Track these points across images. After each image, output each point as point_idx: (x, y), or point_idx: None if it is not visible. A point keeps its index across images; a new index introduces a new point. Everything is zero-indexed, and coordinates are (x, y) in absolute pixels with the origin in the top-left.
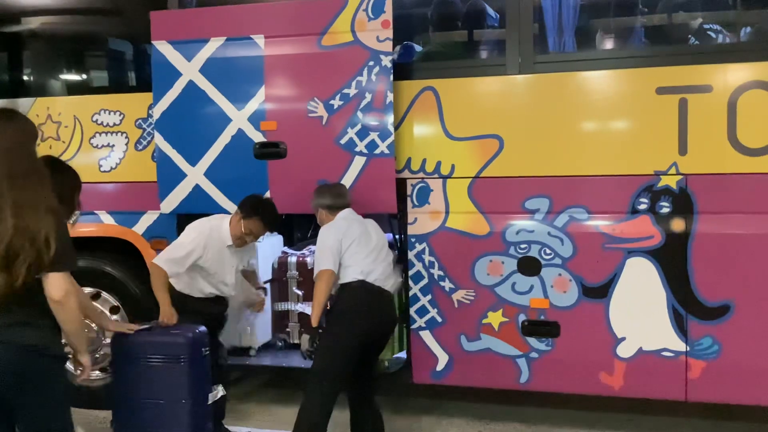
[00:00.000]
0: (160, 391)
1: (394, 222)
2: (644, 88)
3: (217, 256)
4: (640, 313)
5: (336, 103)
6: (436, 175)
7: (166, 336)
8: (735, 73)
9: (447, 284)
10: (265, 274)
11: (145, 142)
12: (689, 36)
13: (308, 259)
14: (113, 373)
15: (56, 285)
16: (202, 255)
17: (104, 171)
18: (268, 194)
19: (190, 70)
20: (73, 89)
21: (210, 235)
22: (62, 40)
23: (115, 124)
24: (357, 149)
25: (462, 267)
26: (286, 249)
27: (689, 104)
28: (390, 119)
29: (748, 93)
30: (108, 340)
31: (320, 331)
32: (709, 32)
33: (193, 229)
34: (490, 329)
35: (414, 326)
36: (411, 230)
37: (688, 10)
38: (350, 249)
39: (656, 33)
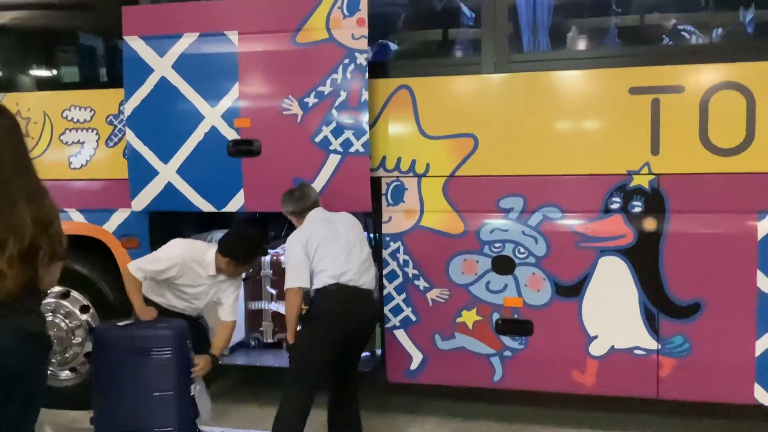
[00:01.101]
0: (146, 384)
1: (369, 221)
2: (617, 88)
3: (193, 281)
4: (613, 311)
5: (311, 100)
6: (410, 174)
7: (152, 329)
8: (707, 74)
9: (421, 283)
10: None
11: (116, 139)
12: (662, 36)
13: (282, 258)
14: (95, 368)
15: (57, 275)
16: (176, 276)
17: (74, 168)
18: (241, 194)
19: (162, 66)
20: (42, 84)
21: (186, 262)
22: (32, 35)
23: (85, 121)
24: (332, 147)
25: (436, 266)
26: None
27: (662, 104)
28: (365, 117)
29: (719, 93)
30: (77, 340)
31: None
32: (681, 33)
33: (173, 248)
34: (465, 328)
35: (388, 325)
36: (385, 229)
37: (662, 11)
38: (318, 253)
39: (629, 33)
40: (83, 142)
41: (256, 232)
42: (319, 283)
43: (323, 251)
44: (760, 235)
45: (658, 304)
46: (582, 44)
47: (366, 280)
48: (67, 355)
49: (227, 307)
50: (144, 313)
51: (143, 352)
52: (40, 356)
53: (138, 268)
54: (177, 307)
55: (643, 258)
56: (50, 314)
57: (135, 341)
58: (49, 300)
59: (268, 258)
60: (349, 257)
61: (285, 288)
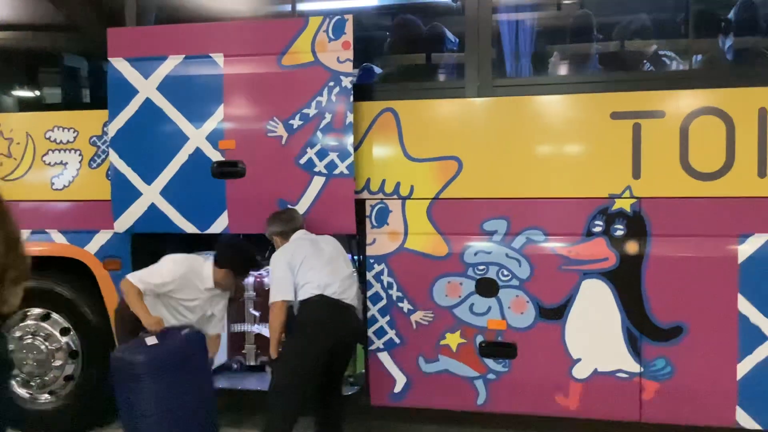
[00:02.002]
0: (192, 391)
1: (353, 243)
2: (599, 112)
3: (191, 294)
4: (596, 334)
5: (296, 122)
6: (395, 196)
7: (183, 338)
8: (687, 100)
9: (405, 305)
10: None
11: (99, 160)
12: (643, 63)
13: (266, 280)
14: (131, 395)
15: (20, 298)
16: (176, 289)
17: (57, 189)
18: (225, 216)
19: (147, 87)
20: (25, 105)
21: (186, 275)
22: (16, 56)
23: (68, 141)
24: (316, 169)
25: (420, 288)
26: None
27: (642, 129)
28: (350, 140)
29: (699, 119)
30: (58, 363)
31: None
32: (662, 59)
33: (172, 262)
34: (448, 350)
35: (372, 347)
36: (370, 251)
37: (643, 37)
38: (303, 266)
39: (611, 59)
40: (66, 163)
41: (250, 244)
42: (303, 295)
43: (308, 264)
44: (741, 258)
45: (641, 327)
46: (564, 69)
47: (349, 295)
48: (46, 378)
49: (217, 321)
50: (153, 323)
51: (190, 361)
52: (4, 376)
53: (140, 279)
54: (169, 322)
55: (626, 281)
56: (30, 336)
57: (185, 352)
58: (29, 322)
59: (251, 280)
60: (334, 271)
61: (270, 302)
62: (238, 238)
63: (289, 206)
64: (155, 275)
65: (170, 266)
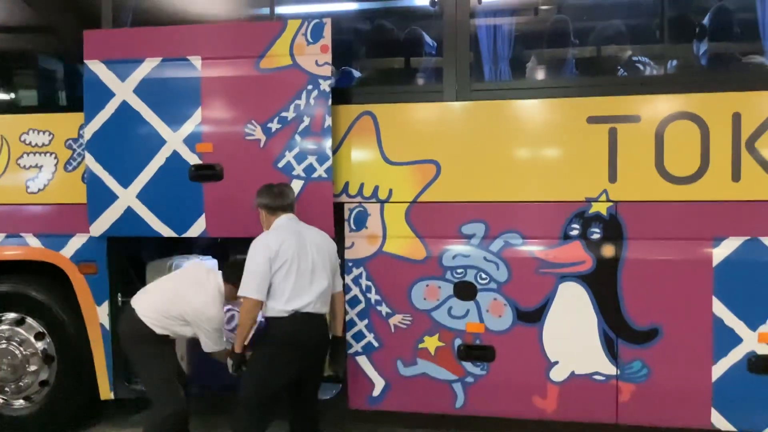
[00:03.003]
0: None
1: None
2: (576, 117)
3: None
4: (573, 337)
5: (274, 126)
6: (373, 200)
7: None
8: (662, 104)
9: (384, 309)
10: None
11: (75, 163)
12: (619, 68)
13: None
14: None
15: None
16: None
17: (32, 192)
18: (203, 219)
19: (123, 90)
20: (0, 108)
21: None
22: None
23: (44, 144)
24: (294, 173)
25: (399, 291)
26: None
27: (618, 133)
28: (328, 143)
29: (674, 123)
30: (33, 368)
31: (245, 355)
32: (637, 64)
33: (212, 299)
34: (427, 354)
35: (350, 351)
36: (348, 254)
37: (618, 42)
38: (278, 274)
39: (588, 64)
40: (41, 166)
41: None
42: (271, 311)
43: (283, 274)
44: (716, 261)
45: (617, 330)
46: (541, 74)
47: (324, 309)
48: (21, 384)
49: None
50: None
51: None
52: None
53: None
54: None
55: (602, 284)
56: (5, 341)
57: None
58: (3, 327)
59: None
60: (313, 280)
61: (241, 293)
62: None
63: (285, 183)
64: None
65: (216, 308)
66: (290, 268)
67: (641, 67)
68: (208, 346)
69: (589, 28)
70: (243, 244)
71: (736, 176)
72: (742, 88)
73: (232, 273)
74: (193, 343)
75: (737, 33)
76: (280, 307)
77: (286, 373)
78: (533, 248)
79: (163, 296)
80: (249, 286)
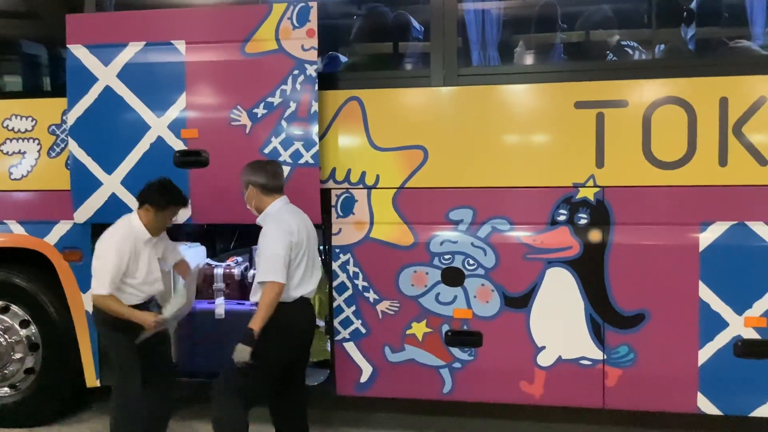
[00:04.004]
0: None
1: (319, 232)
2: (563, 102)
3: (136, 258)
4: (560, 322)
5: (260, 111)
6: (360, 186)
7: None
8: (650, 89)
9: (371, 295)
10: None
11: (58, 149)
12: (606, 52)
13: (235, 271)
14: None
15: None
16: (128, 265)
17: (15, 179)
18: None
19: (107, 75)
20: None
21: (125, 241)
22: None
23: (26, 130)
24: (281, 159)
25: (386, 278)
26: (209, 261)
27: (606, 118)
28: (315, 129)
29: (662, 108)
30: (18, 356)
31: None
32: (625, 49)
33: (107, 243)
34: (414, 340)
35: (338, 338)
36: (335, 241)
37: (606, 27)
38: (293, 263)
39: (575, 49)
40: (24, 153)
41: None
42: (287, 296)
43: (296, 263)
44: (702, 246)
45: (604, 315)
46: (529, 59)
47: (315, 289)
48: (6, 372)
49: (172, 255)
50: (147, 321)
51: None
52: None
53: (99, 286)
54: (146, 293)
55: (589, 269)
56: None
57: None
58: None
59: (220, 271)
60: (313, 267)
61: (265, 279)
62: (201, 228)
63: (275, 160)
64: (107, 270)
65: (109, 249)
66: (302, 261)
67: (629, 52)
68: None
69: (577, 13)
70: (229, 231)
71: (723, 161)
72: (730, 72)
73: (141, 195)
74: (181, 331)
75: (725, 17)
76: (288, 293)
77: (281, 364)
78: (521, 234)
79: None
80: (275, 270)
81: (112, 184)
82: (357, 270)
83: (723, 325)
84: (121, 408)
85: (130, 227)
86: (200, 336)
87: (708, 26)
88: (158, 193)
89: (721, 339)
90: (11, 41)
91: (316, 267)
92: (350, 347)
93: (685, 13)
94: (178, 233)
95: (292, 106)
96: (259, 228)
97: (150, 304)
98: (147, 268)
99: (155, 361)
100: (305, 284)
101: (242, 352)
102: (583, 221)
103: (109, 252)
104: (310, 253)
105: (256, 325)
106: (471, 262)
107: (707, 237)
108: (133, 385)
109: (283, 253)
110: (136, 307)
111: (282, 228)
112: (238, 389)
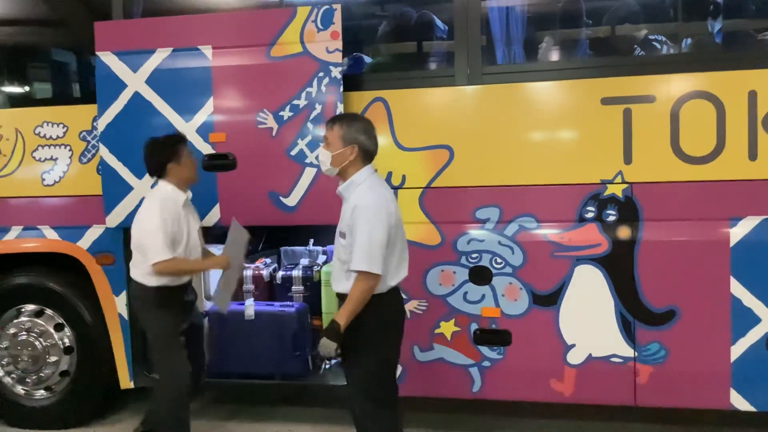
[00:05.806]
0: None
1: None
2: (589, 98)
3: (179, 222)
4: (589, 320)
5: (286, 114)
6: None
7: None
8: (677, 84)
9: None
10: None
11: (89, 155)
12: (633, 47)
13: (263, 272)
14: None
15: None
16: (173, 230)
17: (47, 185)
18: (217, 208)
19: (135, 81)
20: (14, 101)
21: (164, 209)
22: (4, 51)
23: (58, 137)
24: (307, 161)
25: (414, 277)
26: None
27: (633, 114)
28: None
29: (689, 103)
30: (53, 359)
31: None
32: (652, 44)
33: (148, 215)
34: (443, 339)
35: None
36: None
37: (633, 22)
38: (388, 247)
39: (601, 44)
40: (56, 159)
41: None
42: (380, 288)
43: (394, 238)
44: (733, 241)
45: (634, 312)
46: (554, 56)
47: None
48: (41, 375)
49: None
50: (219, 260)
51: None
52: None
53: (158, 254)
54: (192, 256)
55: (618, 266)
56: (24, 333)
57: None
58: (23, 319)
59: (249, 273)
60: (404, 255)
61: (362, 268)
62: None
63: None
64: (159, 238)
65: (153, 219)
66: (396, 236)
67: (656, 47)
68: (150, 257)
69: (603, 8)
70: (257, 233)
71: (752, 155)
72: (758, 65)
73: (152, 166)
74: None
75: (752, 10)
76: (385, 282)
77: (395, 356)
78: (548, 231)
79: None
80: (371, 259)
81: (142, 188)
82: None
83: (755, 320)
84: (168, 391)
85: (164, 196)
86: (231, 337)
87: (735, 19)
88: (160, 148)
89: (754, 335)
90: (42, 49)
91: (405, 248)
92: None
93: (711, 6)
94: (207, 236)
95: (318, 108)
96: (287, 228)
97: (188, 291)
98: (188, 231)
99: (190, 351)
100: (401, 269)
101: (326, 347)
102: (611, 218)
103: (153, 222)
104: (401, 233)
105: (342, 319)
106: (498, 260)
107: (738, 232)
108: (180, 361)
109: (383, 239)
110: (175, 289)
111: (380, 207)
112: (380, 394)
